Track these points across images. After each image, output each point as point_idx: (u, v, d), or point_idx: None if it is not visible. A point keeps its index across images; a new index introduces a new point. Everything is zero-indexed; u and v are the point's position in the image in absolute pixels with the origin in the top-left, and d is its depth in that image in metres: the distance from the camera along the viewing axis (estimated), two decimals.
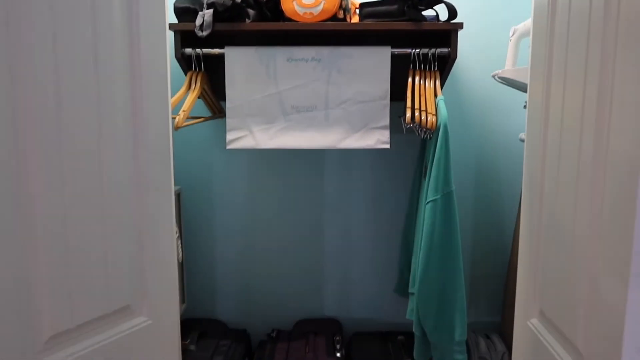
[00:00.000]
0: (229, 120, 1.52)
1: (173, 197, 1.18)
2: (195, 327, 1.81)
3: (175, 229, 1.21)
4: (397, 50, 1.48)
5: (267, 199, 1.89)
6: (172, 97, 1.21)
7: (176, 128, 1.38)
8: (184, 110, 1.44)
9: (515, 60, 1.56)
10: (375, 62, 1.49)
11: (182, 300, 1.80)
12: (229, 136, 1.53)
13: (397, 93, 1.55)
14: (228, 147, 1.52)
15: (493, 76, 1.56)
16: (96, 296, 1.00)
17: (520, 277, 1.17)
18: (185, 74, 1.56)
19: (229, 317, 1.96)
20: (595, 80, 0.83)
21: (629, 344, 0.73)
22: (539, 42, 1.09)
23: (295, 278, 1.93)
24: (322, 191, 1.88)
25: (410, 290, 1.61)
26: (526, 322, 1.12)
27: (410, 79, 1.50)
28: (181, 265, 1.76)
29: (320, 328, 1.83)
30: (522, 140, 1.58)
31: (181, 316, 1.38)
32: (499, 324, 1.87)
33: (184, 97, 1.50)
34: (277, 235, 1.91)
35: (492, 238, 1.87)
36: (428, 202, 1.36)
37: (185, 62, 1.53)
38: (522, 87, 1.51)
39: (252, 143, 1.53)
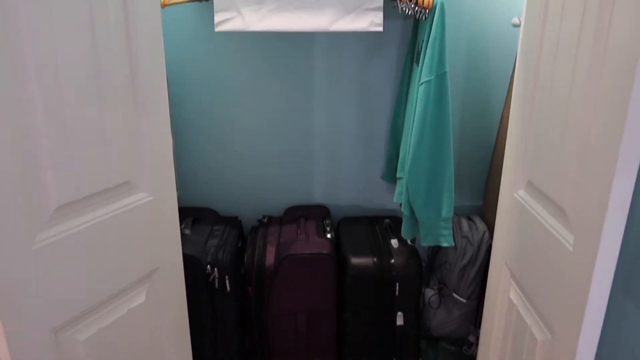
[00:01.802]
0: (216, 1, 1.45)
1: (165, 74, 1.16)
2: (188, 214, 1.86)
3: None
4: None
5: (256, 83, 1.86)
6: None
7: (163, 5, 1.32)
8: None
9: None
10: None
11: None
12: (217, 18, 1.47)
13: None
14: (217, 29, 1.47)
15: None
16: (97, 171, 1.01)
17: (509, 151, 1.22)
18: None
19: (220, 206, 2.00)
20: None
21: (614, 201, 0.78)
22: None
23: (285, 166, 1.97)
24: (312, 76, 1.86)
25: (398, 175, 1.67)
26: (513, 194, 1.19)
27: None
28: (174, 153, 1.76)
29: (310, 213, 1.90)
30: (515, 25, 1.57)
31: None
32: (479, 208, 1.97)
33: None
34: (266, 121, 1.91)
35: (479, 124, 1.91)
36: (421, 84, 1.36)
37: None
38: None
39: (242, 25, 1.47)
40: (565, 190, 0.94)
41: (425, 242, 1.50)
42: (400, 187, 1.66)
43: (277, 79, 1.86)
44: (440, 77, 1.34)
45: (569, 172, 0.92)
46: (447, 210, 1.45)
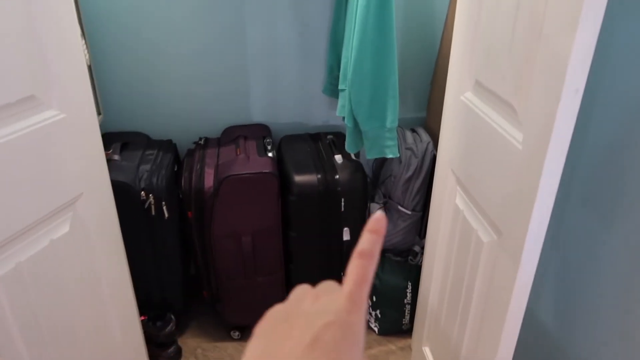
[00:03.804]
0: None
1: None
2: (117, 139, 1.71)
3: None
4: None
5: (183, 1, 1.68)
6: None
7: None
8: None
9: None
10: None
11: (98, 112, 1.66)
12: None
13: None
14: None
15: None
16: None
17: (456, 53, 1.16)
18: None
19: (152, 130, 1.86)
20: None
21: (569, 87, 0.74)
22: None
23: (219, 84, 1.83)
24: None
25: (340, 87, 1.58)
26: (459, 97, 1.14)
27: None
28: (90, 70, 1.58)
29: (249, 133, 1.80)
30: None
31: None
32: (423, 120, 1.94)
33: None
34: (196, 39, 1.74)
35: (421, 33, 1.83)
36: None
37: None
38: None
39: None
40: (515, 87, 0.89)
41: (370, 155, 1.45)
42: (343, 99, 1.58)
43: None
44: None
45: (521, 68, 0.87)
46: (391, 119, 1.39)
